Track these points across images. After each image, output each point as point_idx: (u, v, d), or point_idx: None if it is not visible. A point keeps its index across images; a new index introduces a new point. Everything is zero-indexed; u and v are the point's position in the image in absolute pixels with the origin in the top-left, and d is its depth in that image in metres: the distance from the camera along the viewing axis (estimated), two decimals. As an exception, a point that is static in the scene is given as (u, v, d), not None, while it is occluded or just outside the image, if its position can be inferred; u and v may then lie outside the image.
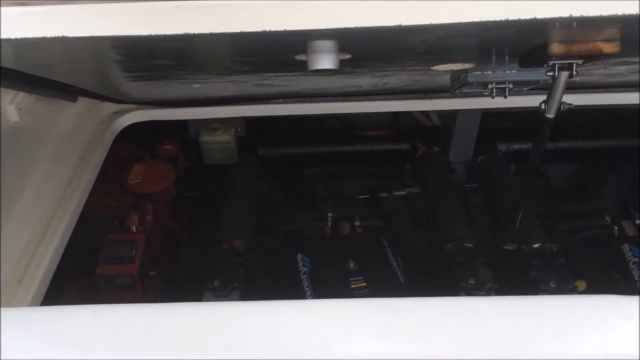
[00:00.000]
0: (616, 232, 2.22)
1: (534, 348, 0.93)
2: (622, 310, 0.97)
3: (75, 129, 2.08)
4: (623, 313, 0.96)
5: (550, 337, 0.94)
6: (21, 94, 1.77)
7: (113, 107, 2.24)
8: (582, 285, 2.05)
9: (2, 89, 1.65)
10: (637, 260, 2.07)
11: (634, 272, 2.05)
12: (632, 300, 0.97)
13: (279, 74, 1.61)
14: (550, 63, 1.26)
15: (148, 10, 0.90)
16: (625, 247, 2.12)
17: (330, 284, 1.97)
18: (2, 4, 0.90)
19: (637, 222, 2.25)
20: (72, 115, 2.10)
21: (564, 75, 1.32)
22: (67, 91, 1.83)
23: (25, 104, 1.78)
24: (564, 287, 1.86)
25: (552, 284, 1.86)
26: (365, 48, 1.17)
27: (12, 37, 0.92)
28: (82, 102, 2.08)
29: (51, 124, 1.99)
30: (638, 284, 2.01)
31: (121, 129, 2.24)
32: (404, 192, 2.77)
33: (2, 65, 1.28)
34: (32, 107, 1.83)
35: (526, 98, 1.82)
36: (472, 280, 1.85)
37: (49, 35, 0.91)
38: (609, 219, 2.29)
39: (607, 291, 1.03)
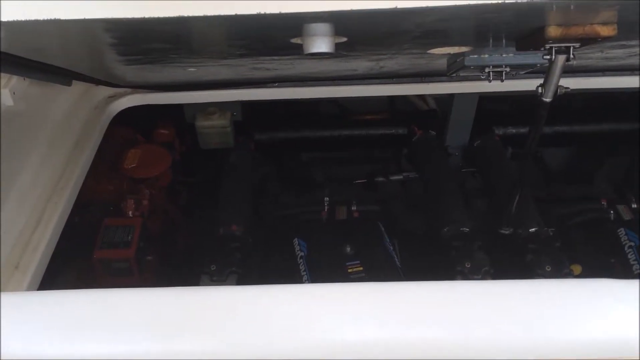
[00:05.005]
0: (612, 217, 2.23)
1: (530, 332, 0.93)
2: (618, 293, 0.97)
3: (70, 113, 2.06)
4: (619, 297, 0.97)
5: (546, 321, 0.94)
6: (15, 78, 1.75)
7: (108, 91, 2.22)
8: (577, 269, 2.05)
9: (-4, 73, 1.64)
10: (632, 244, 2.07)
11: (629, 256, 2.05)
12: (627, 284, 0.97)
13: (274, 57, 1.60)
14: (547, 46, 1.25)
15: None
16: (621, 231, 2.13)
17: (327, 268, 1.98)
18: (-7, -13, 0.89)
19: (633, 206, 2.26)
20: (66, 99, 2.08)
21: (561, 58, 1.31)
22: (62, 75, 1.81)
23: (19, 88, 1.77)
24: (559, 271, 1.87)
25: (548, 267, 1.87)
26: (361, 31, 1.16)
27: (5, 19, 0.91)
28: (77, 86, 2.06)
29: (46, 108, 1.97)
30: (634, 268, 2.02)
31: (116, 113, 2.22)
32: (400, 177, 2.77)
33: (-5, 48, 1.27)
34: (26, 91, 1.82)
35: (523, 82, 1.82)
36: (468, 264, 1.86)
37: (42, 18, 0.90)
38: (605, 203, 2.30)
39: (603, 275, 1.04)
